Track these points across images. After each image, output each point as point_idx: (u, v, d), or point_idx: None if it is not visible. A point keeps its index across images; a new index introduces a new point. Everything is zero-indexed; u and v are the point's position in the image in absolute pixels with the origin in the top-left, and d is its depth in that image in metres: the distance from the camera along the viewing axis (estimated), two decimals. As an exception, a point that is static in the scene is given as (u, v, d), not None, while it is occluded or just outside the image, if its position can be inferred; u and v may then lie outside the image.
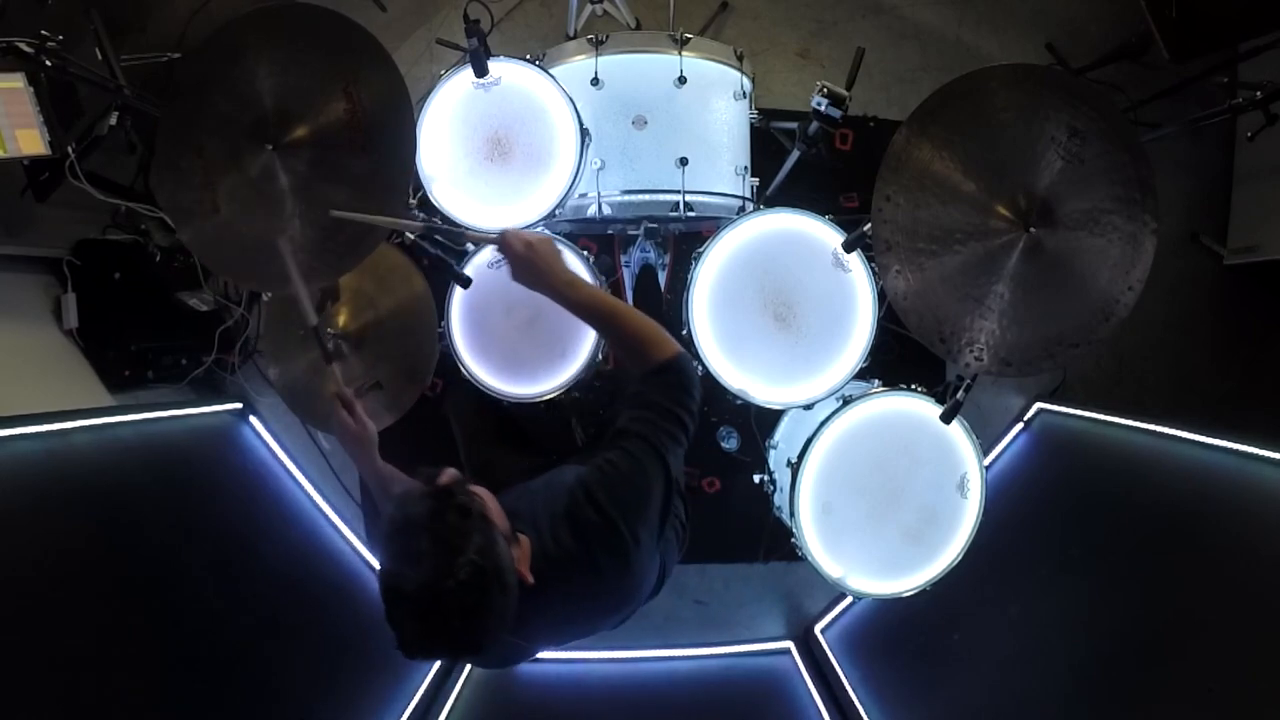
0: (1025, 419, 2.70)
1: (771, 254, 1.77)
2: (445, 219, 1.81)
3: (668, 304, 2.26)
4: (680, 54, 1.83)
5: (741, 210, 1.97)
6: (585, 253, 1.81)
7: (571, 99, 1.76)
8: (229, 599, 2.00)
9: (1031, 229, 1.47)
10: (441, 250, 1.68)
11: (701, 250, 1.78)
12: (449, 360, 1.82)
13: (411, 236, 1.79)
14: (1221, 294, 2.74)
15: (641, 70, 1.84)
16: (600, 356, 1.81)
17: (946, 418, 1.69)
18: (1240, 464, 1.83)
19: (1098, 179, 1.47)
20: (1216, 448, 1.91)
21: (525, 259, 1.31)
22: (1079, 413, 2.51)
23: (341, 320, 1.87)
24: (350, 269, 1.61)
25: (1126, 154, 1.46)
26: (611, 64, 1.83)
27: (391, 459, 1.43)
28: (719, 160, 1.92)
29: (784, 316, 1.77)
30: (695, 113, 1.88)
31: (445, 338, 1.81)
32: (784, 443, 2.06)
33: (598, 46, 1.83)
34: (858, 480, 1.78)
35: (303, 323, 1.44)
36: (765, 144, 2.16)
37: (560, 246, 1.72)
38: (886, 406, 1.78)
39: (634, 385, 1.23)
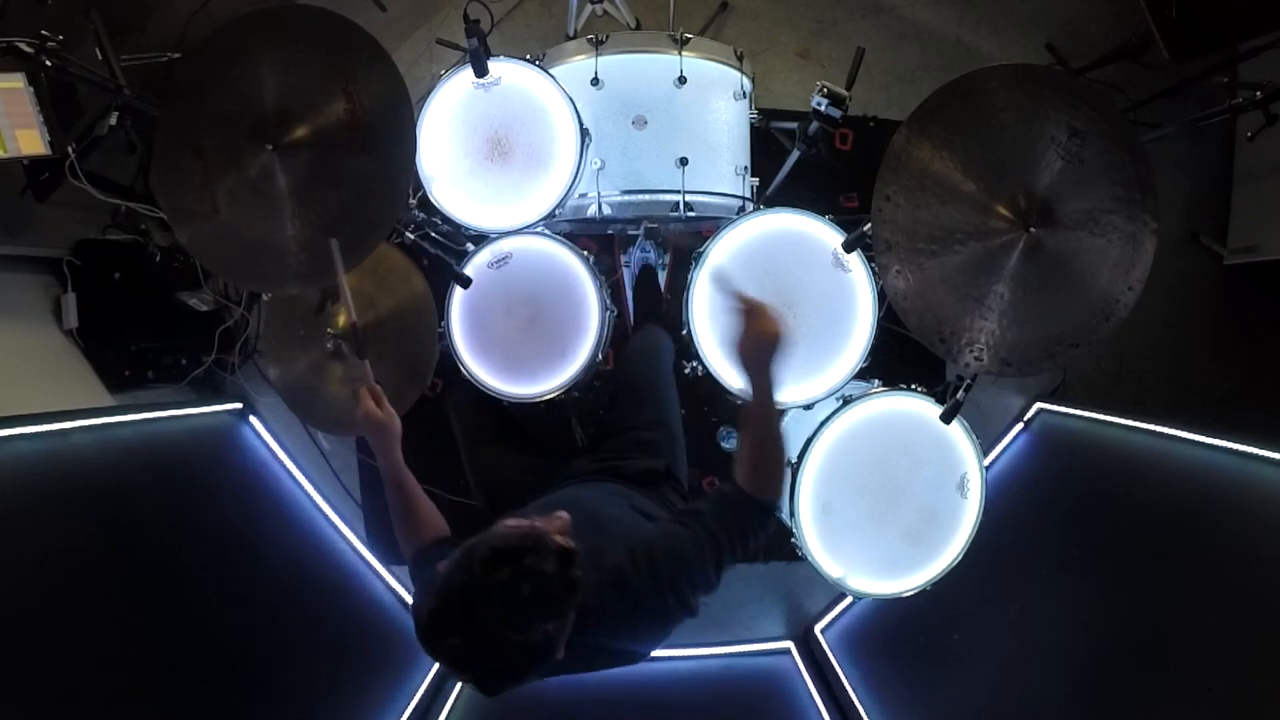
0: (1025, 419, 2.69)
1: (771, 254, 1.77)
2: (446, 219, 1.81)
3: (668, 304, 2.26)
4: (680, 54, 1.83)
5: (741, 210, 1.97)
6: (585, 253, 1.81)
7: (571, 99, 1.76)
8: (229, 599, 2.00)
9: (1031, 229, 1.47)
10: (441, 250, 1.68)
11: (701, 250, 1.78)
12: (449, 360, 1.82)
13: (412, 236, 1.80)
14: (1221, 294, 2.74)
15: (641, 70, 1.84)
16: (600, 357, 1.81)
17: (946, 418, 1.69)
18: (1240, 464, 1.83)
19: (1098, 179, 1.46)
20: (1216, 448, 1.91)
21: (774, 342, 1.30)
22: (1079, 413, 2.51)
23: (341, 320, 1.86)
24: (350, 269, 1.60)
25: (1126, 154, 1.46)
26: (611, 64, 1.84)
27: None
28: (719, 160, 1.92)
29: (784, 316, 1.76)
30: (695, 113, 1.88)
31: (445, 338, 1.81)
32: (784, 443, 2.05)
33: (598, 46, 1.83)
34: (858, 480, 1.78)
35: (327, 321, 1.56)
36: (765, 144, 2.16)
37: None
38: (886, 406, 1.78)
39: (733, 491, 1.26)
